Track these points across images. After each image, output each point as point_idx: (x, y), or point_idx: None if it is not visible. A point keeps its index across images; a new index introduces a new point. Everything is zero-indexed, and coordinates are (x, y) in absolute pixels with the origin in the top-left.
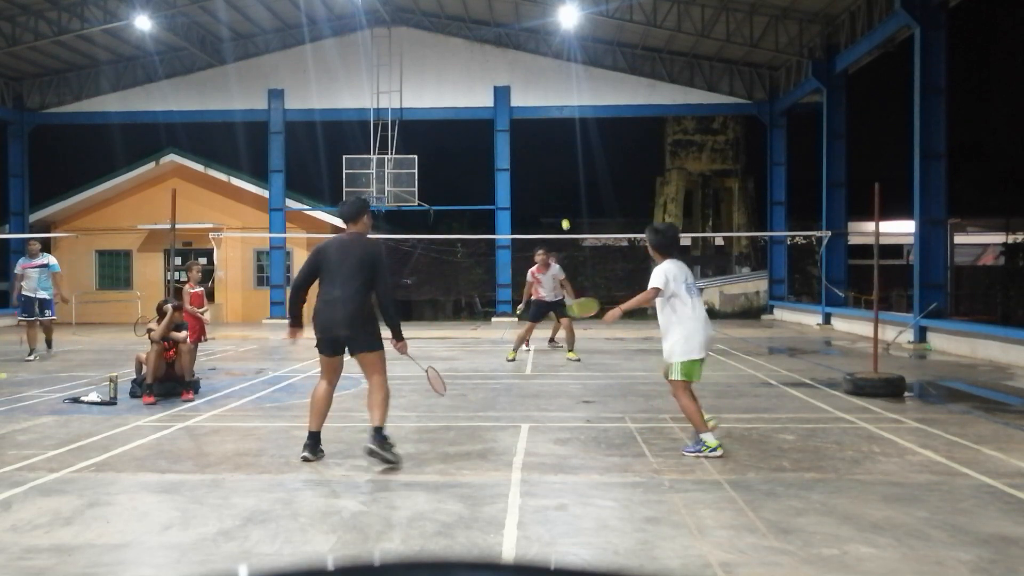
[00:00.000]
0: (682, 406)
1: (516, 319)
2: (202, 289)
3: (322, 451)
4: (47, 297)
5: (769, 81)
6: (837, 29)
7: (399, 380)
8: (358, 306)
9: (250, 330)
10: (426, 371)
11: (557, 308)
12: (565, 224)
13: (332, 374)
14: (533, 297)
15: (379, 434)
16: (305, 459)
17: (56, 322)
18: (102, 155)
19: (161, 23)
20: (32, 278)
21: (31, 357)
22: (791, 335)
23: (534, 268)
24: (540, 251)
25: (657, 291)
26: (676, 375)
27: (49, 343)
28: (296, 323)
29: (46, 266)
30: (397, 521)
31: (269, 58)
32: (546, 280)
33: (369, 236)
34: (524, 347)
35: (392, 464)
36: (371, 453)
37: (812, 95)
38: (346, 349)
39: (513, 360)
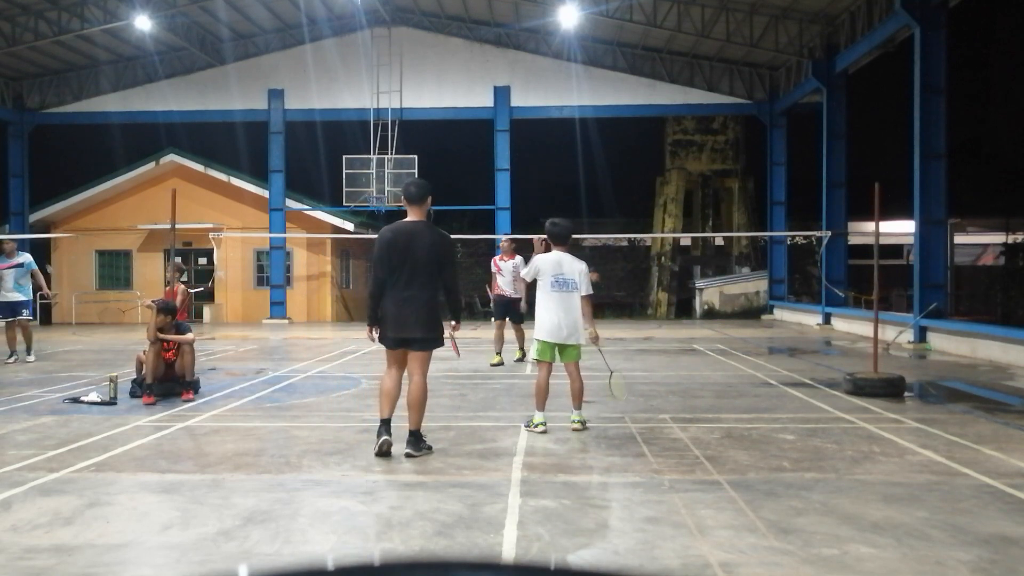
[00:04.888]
0: (536, 379)
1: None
2: (181, 286)
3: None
4: (23, 298)
5: (769, 81)
6: (837, 29)
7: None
8: (433, 307)
9: (250, 330)
10: (450, 335)
11: (512, 311)
12: None
13: (399, 364)
14: (494, 292)
15: (414, 437)
16: (386, 442)
17: (33, 323)
18: (102, 155)
19: (161, 23)
20: (7, 279)
21: (10, 360)
22: (791, 335)
23: (497, 257)
24: (505, 238)
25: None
26: (532, 353)
27: (29, 348)
28: (375, 322)
29: (21, 265)
30: (397, 521)
31: (269, 58)
32: (506, 270)
33: (431, 224)
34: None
35: (430, 452)
36: (408, 457)
37: (812, 95)
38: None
39: (500, 364)
